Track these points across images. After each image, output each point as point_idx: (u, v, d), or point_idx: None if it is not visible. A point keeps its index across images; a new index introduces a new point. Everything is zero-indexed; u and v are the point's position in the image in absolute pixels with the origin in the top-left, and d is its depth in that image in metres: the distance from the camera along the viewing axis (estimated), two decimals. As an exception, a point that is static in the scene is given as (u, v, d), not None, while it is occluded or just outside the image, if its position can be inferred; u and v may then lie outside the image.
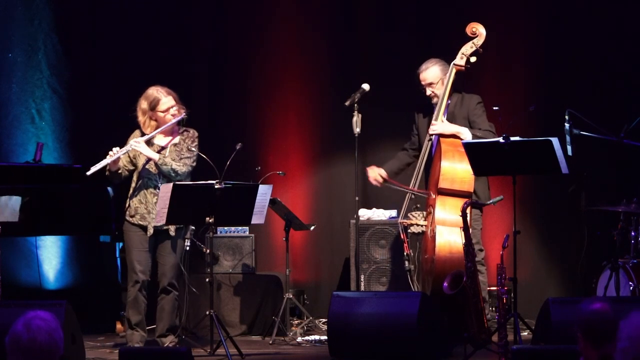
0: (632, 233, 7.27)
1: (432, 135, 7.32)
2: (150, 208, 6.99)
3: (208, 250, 7.34)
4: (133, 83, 8.62)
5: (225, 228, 8.29)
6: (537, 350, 5.57)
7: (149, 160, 7.02)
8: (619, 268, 7.06)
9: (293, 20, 9.08)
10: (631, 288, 7.13)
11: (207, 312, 6.92)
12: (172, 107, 7.05)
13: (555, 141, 6.41)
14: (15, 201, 7.38)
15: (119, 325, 8.20)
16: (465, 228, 6.63)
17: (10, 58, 9.22)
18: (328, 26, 9.05)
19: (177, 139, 7.11)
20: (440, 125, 7.29)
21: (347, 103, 7.46)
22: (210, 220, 6.82)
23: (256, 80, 9.09)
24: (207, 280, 7.02)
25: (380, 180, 7.55)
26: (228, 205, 6.82)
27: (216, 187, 6.75)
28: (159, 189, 6.93)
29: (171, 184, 6.68)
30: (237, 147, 7.19)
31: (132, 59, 9.04)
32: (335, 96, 8.34)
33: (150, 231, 6.99)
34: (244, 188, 6.97)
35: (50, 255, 9.06)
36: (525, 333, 7.15)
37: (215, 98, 9.14)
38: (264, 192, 6.92)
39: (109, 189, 7.53)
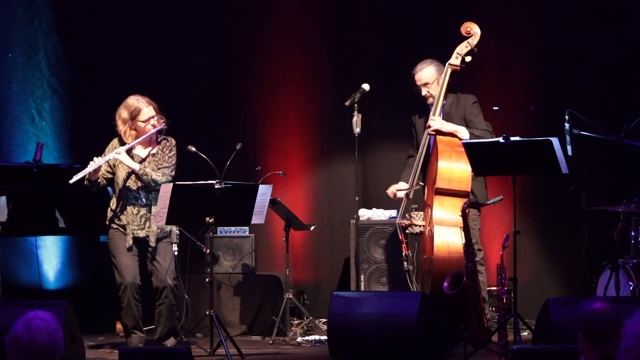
0: (632, 233, 7.27)
1: (430, 130, 7.30)
2: (130, 220, 7.01)
3: (208, 250, 7.34)
4: (133, 83, 8.62)
5: (225, 228, 8.28)
6: (537, 350, 5.57)
7: (129, 174, 7.02)
8: (619, 268, 7.06)
9: (293, 20, 9.08)
10: (631, 288, 7.13)
11: (207, 312, 6.92)
12: (152, 117, 7.06)
13: (555, 141, 6.41)
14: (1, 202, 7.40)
15: (119, 325, 8.19)
16: (465, 228, 6.63)
17: (10, 58, 9.21)
18: (328, 26, 9.05)
19: (155, 149, 7.12)
20: (438, 121, 7.29)
21: (347, 103, 7.47)
22: (210, 220, 6.82)
23: (256, 80, 9.09)
24: (207, 280, 7.02)
25: (402, 194, 7.51)
26: (228, 205, 6.82)
27: (216, 187, 6.75)
28: (140, 201, 6.99)
29: (171, 184, 6.69)
30: (237, 147, 7.19)
31: (132, 58, 9.03)
32: (335, 96, 8.34)
33: (130, 242, 7.01)
34: (244, 188, 6.97)
35: (50, 255, 9.05)
36: (525, 333, 7.15)
37: (215, 98, 9.14)
38: (264, 192, 6.92)
39: (109, 189, 7.53)
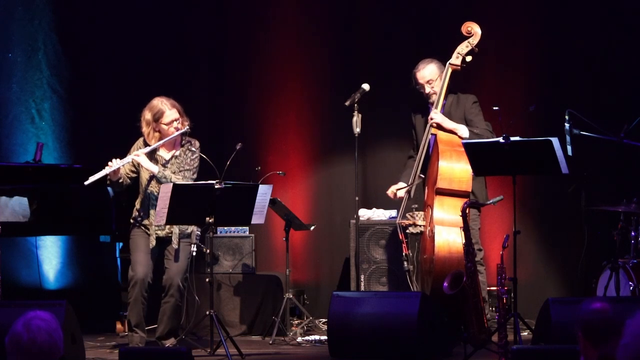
0: (632, 233, 7.27)
1: (432, 122, 7.29)
2: (153, 220, 7.02)
3: (208, 250, 7.34)
4: (133, 83, 8.65)
5: (225, 228, 8.29)
6: (537, 350, 5.57)
7: (152, 178, 7.04)
8: (619, 268, 7.06)
9: (293, 20, 9.08)
10: (631, 288, 7.13)
11: (207, 312, 6.92)
12: (175, 119, 7.05)
13: (555, 141, 6.41)
14: (16, 201, 7.39)
15: (119, 325, 8.21)
16: (465, 228, 6.63)
17: (10, 58, 9.22)
18: (328, 26, 9.05)
19: (178, 151, 7.13)
20: (440, 115, 7.30)
21: (347, 103, 7.47)
22: (210, 220, 6.82)
23: (256, 80, 9.09)
24: (207, 280, 7.02)
25: (402, 192, 7.51)
26: (228, 205, 6.82)
27: (216, 187, 6.74)
28: None
29: (171, 184, 6.69)
30: (237, 147, 7.19)
31: (132, 59, 9.04)
32: (335, 96, 8.34)
33: (153, 243, 7.04)
34: (244, 188, 6.97)
35: (50, 255, 9.06)
36: (525, 333, 7.15)
37: (215, 98, 9.14)
38: (264, 192, 6.92)
39: (109, 189, 7.54)
